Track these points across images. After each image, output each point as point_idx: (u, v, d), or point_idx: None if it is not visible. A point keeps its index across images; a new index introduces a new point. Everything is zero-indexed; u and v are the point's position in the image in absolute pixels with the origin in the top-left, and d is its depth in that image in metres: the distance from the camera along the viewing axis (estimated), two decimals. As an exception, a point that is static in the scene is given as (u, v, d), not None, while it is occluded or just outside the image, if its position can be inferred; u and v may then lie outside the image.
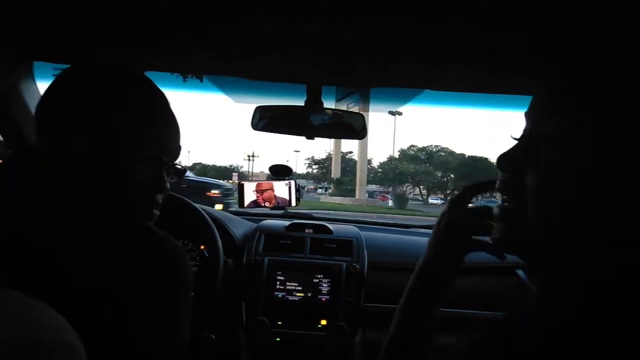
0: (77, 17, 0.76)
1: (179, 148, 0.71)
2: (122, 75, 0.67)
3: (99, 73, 0.67)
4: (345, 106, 1.42)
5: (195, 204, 1.39)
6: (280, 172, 1.50)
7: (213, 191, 7.43)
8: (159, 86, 0.70)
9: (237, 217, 1.63)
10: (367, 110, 1.63)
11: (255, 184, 1.56)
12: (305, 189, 40.14)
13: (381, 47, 0.87)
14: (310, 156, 50.27)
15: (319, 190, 41.26)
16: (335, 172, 37.06)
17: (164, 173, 0.68)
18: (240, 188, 1.51)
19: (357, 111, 1.24)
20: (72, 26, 0.80)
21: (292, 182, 1.51)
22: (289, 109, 1.16)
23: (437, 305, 0.69)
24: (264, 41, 0.87)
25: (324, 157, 45.96)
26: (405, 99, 1.34)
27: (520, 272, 1.41)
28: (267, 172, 1.73)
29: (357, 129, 1.19)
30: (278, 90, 1.23)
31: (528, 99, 0.53)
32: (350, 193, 31.39)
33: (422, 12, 0.69)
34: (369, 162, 38.54)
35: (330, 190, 36.79)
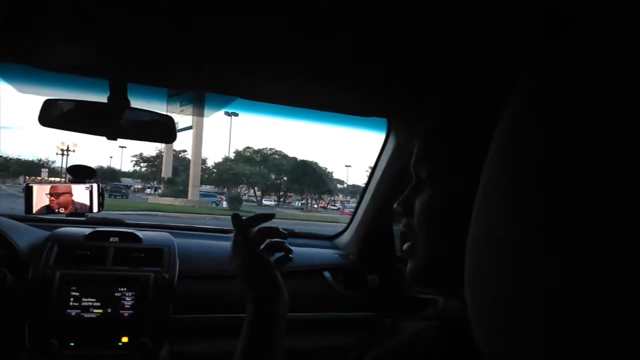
0: None
1: None
2: None
3: None
4: (177, 107, 1.33)
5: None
6: (80, 173, 1.33)
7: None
8: None
9: (23, 224, 1.40)
10: (202, 115, 1.56)
11: (49, 186, 1.35)
12: (132, 188, 37.10)
13: (194, 49, 0.83)
14: (138, 153, 46.51)
15: (148, 190, 38.46)
16: (167, 171, 34.98)
17: None
18: (29, 191, 1.29)
19: (167, 113, 1.17)
20: None
21: (95, 185, 1.35)
22: (86, 104, 1.03)
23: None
24: (62, 24, 0.76)
25: (154, 154, 42.97)
26: (231, 104, 1.31)
27: (326, 274, 1.51)
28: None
29: (166, 131, 1.12)
30: (75, 83, 1.09)
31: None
32: (183, 194, 30.01)
33: (243, 26, 0.68)
34: (204, 162, 37.35)
35: (160, 191, 34.61)
